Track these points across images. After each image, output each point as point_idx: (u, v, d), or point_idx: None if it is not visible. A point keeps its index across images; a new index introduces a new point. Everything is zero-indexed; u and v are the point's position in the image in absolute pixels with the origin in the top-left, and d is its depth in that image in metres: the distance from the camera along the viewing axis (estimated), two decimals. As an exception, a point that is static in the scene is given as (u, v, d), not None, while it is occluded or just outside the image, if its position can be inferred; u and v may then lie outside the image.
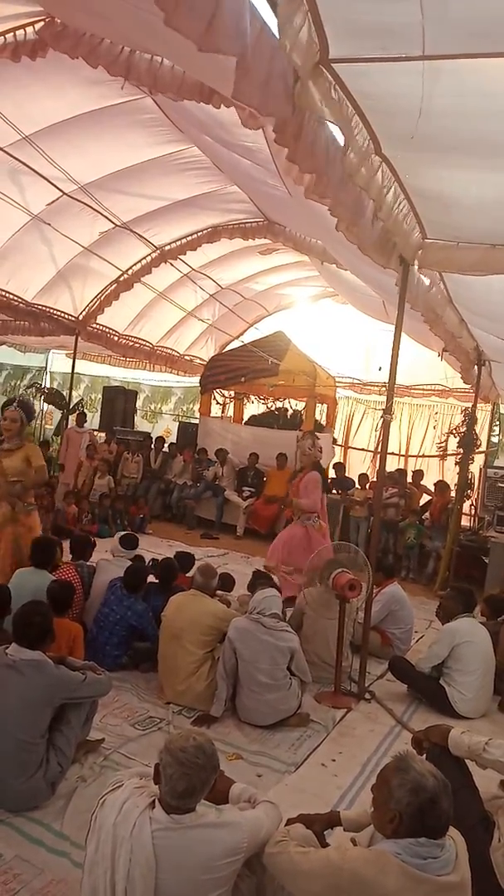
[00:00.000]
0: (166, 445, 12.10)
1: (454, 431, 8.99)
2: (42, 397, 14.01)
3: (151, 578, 5.32)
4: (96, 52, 4.68)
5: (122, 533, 5.90)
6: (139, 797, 2.06)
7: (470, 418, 8.72)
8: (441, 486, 9.66)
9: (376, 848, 1.96)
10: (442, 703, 4.69)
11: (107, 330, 11.57)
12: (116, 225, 7.85)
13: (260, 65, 2.56)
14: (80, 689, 3.23)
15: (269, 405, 12.77)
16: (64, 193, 7.11)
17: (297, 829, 2.31)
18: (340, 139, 3.23)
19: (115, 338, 11.90)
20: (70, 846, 2.84)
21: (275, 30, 2.54)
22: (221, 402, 12.95)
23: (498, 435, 12.30)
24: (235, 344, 13.82)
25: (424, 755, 2.75)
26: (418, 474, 10.80)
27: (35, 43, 5.03)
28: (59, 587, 4.26)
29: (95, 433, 12.64)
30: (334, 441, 12.74)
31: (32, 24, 4.95)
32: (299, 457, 6.87)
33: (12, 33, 5.03)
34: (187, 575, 5.79)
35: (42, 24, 4.87)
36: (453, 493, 8.94)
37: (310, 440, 6.86)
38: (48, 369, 16.92)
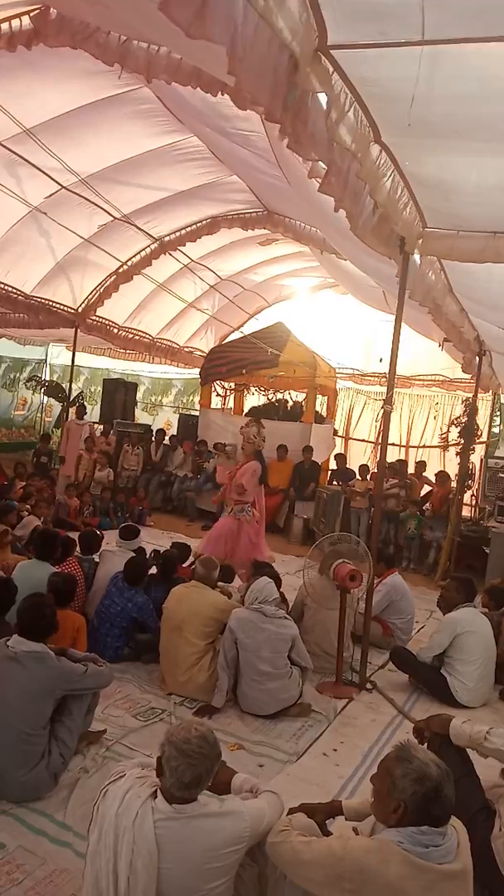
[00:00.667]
0: (167, 438, 12.09)
1: (455, 422, 8.98)
2: (42, 390, 13.99)
3: (153, 571, 5.34)
4: (91, 41, 4.65)
5: (124, 524, 5.91)
6: (141, 787, 2.07)
7: (470, 408, 8.71)
8: (441, 476, 9.65)
9: (378, 837, 1.97)
10: (443, 693, 4.70)
11: (106, 322, 11.54)
12: (115, 217, 7.81)
13: (255, 52, 2.53)
14: (81, 681, 3.24)
15: (269, 397, 12.75)
16: (63, 187, 7.08)
17: (300, 818, 2.31)
18: (339, 126, 3.20)
19: (115, 330, 11.86)
20: (73, 836, 2.86)
21: (272, 17, 2.52)
22: (222, 394, 12.93)
23: (499, 425, 12.29)
24: (235, 335, 13.79)
25: (426, 745, 2.76)
26: (421, 465, 10.80)
27: (30, 32, 4.99)
28: (62, 579, 4.28)
29: (95, 425, 12.63)
30: (335, 432, 12.73)
31: (28, 12, 4.91)
32: (242, 444, 6.78)
33: (7, 22, 4.99)
34: (183, 566, 5.81)
35: (37, 13, 4.83)
36: (454, 484, 8.93)
37: (255, 428, 6.80)
38: (48, 362, 16.91)
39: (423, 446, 12.84)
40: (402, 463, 10.57)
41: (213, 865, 2.00)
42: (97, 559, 5.47)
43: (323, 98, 2.93)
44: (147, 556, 5.71)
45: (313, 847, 2.02)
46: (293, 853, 2.06)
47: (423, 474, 10.46)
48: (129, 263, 10.10)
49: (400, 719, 4.48)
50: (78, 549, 5.50)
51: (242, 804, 2.17)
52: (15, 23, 4.98)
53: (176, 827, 1.98)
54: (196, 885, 1.98)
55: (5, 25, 4.95)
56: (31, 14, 4.87)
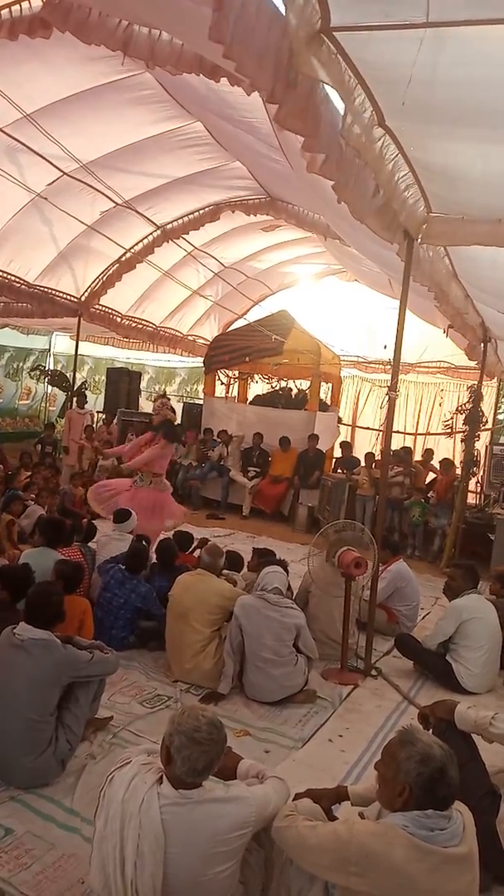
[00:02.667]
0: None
1: (461, 409, 8.95)
2: (45, 379, 13.99)
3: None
4: (94, 27, 4.60)
5: (118, 509, 5.94)
6: (147, 773, 2.08)
7: (475, 395, 8.68)
8: (446, 463, 9.63)
9: (384, 821, 1.98)
10: (448, 679, 4.71)
11: (109, 311, 11.52)
12: (117, 204, 7.78)
13: (257, 35, 2.50)
14: (87, 668, 3.26)
15: (273, 385, 12.72)
16: (64, 173, 7.04)
17: (305, 803, 2.33)
18: (342, 110, 3.17)
19: (118, 319, 11.85)
20: (81, 822, 2.88)
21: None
22: (226, 382, 12.91)
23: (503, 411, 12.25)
24: (239, 323, 13.76)
25: (431, 730, 2.77)
26: (428, 453, 10.77)
27: (32, 20, 4.94)
28: (70, 566, 4.32)
29: (98, 414, 12.64)
30: (339, 420, 12.69)
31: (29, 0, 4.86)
32: (154, 418, 7.02)
33: (8, 9, 4.94)
34: (187, 553, 5.84)
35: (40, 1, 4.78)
36: (459, 471, 8.91)
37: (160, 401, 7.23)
38: (51, 351, 16.90)
39: (429, 434, 12.80)
40: (408, 451, 10.54)
41: (219, 850, 2.01)
42: (94, 546, 5.52)
43: (326, 81, 2.90)
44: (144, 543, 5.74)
45: (319, 832, 2.03)
46: (299, 838, 2.07)
47: (430, 462, 10.43)
48: (131, 251, 10.06)
49: (405, 705, 4.50)
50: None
51: (248, 789, 2.18)
52: (16, 9, 4.94)
53: (182, 812, 2.00)
54: (202, 870, 2.00)
55: (6, 12, 4.90)
56: (33, 2, 4.82)
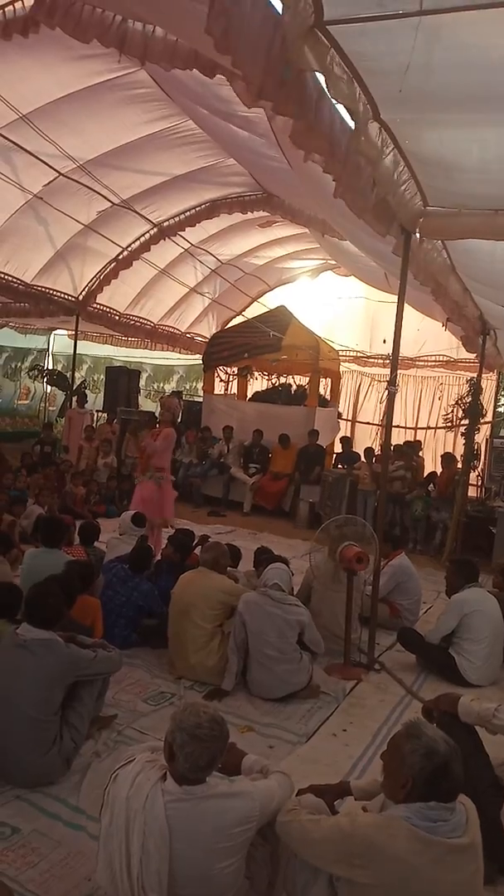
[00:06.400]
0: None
1: (460, 402, 8.94)
2: (44, 379, 13.99)
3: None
4: (88, 24, 4.59)
5: (135, 512, 5.93)
6: (151, 770, 2.09)
7: (475, 388, 8.67)
8: (447, 458, 9.63)
9: (387, 813, 1.98)
10: (451, 672, 4.71)
11: (107, 309, 11.52)
12: (114, 203, 7.77)
13: (252, 30, 2.50)
14: (91, 667, 3.26)
15: (272, 381, 12.71)
16: (60, 174, 7.04)
17: (309, 798, 2.33)
18: (339, 107, 3.17)
19: (116, 317, 11.84)
20: (86, 820, 2.88)
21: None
22: (225, 380, 12.90)
23: (503, 404, 12.24)
24: (237, 320, 13.75)
25: (435, 724, 2.77)
26: (417, 445, 10.76)
27: (26, 19, 4.93)
28: (82, 566, 4.37)
29: (99, 413, 12.63)
30: (339, 415, 12.69)
31: (22, -1, 4.86)
32: (162, 413, 7.13)
33: (1, 10, 4.93)
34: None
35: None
36: (459, 465, 8.91)
37: (176, 400, 7.37)
38: (50, 351, 16.89)
39: (429, 427, 12.80)
40: (410, 445, 10.53)
41: (224, 845, 2.02)
42: (105, 548, 5.51)
43: (320, 76, 2.89)
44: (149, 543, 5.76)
45: (322, 825, 2.04)
46: (302, 832, 2.08)
47: (419, 454, 10.42)
48: (128, 249, 10.06)
49: (408, 699, 4.50)
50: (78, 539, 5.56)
51: (252, 784, 2.19)
52: (9, 10, 4.93)
53: (186, 808, 2.00)
54: (207, 865, 2.00)
55: (-1, 12, 4.90)
56: (26, 1, 4.81)
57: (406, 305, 5.05)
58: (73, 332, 11.80)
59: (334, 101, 3.10)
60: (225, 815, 2.03)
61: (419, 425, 13.05)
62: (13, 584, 4.00)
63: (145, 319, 12.53)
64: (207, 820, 2.01)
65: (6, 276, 9.20)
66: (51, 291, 10.21)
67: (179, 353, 14.60)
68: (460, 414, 8.88)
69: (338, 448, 11.63)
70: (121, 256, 10.16)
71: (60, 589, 3.54)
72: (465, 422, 8.72)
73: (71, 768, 3.22)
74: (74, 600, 3.87)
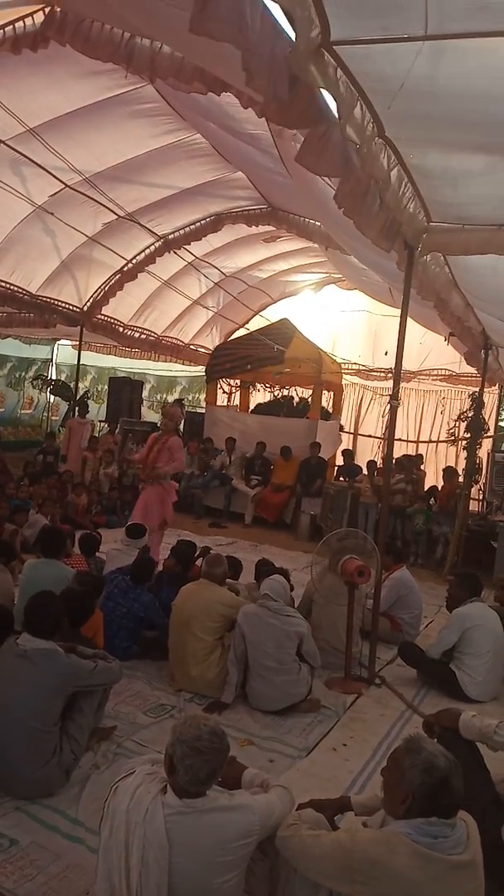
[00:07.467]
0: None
1: (462, 416, 8.96)
2: (48, 389, 14.02)
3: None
4: (97, 41, 4.65)
5: (131, 523, 5.94)
6: (151, 783, 2.08)
7: (477, 402, 8.69)
8: (449, 471, 9.63)
9: (387, 829, 1.98)
10: (452, 687, 4.70)
11: (112, 320, 11.56)
12: (119, 216, 7.83)
13: (260, 51, 2.54)
14: (91, 678, 3.26)
15: (275, 393, 12.74)
16: (66, 185, 7.10)
17: (309, 813, 2.32)
18: (344, 123, 3.20)
19: (121, 328, 11.89)
20: (85, 832, 2.87)
21: (276, 13, 2.53)
22: (227, 391, 12.94)
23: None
24: (241, 332, 13.81)
25: (435, 739, 2.76)
26: (419, 459, 10.76)
27: (36, 35, 4.99)
28: (92, 578, 4.44)
29: (101, 423, 12.64)
30: (341, 428, 12.71)
31: (32, 14, 4.91)
32: (164, 422, 7.12)
33: (12, 26, 4.99)
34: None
35: (42, 15, 4.83)
36: (461, 479, 8.91)
37: (178, 409, 7.54)
38: (54, 361, 16.95)
39: (431, 441, 12.81)
40: (410, 458, 10.54)
41: (224, 859, 2.01)
42: (104, 558, 5.50)
43: (327, 95, 2.94)
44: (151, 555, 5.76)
45: (322, 840, 2.04)
46: (302, 847, 2.07)
47: (420, 468, 10.42)
48: (133, 262, 10.12)
49: (409, 714, 4.49)
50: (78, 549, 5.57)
51: (252, 798, 2.18)
52: (19, 25, 4.99)
53: (186, 821, 2.00)
54: (207, 879, 2.00)
55: (10, 29, 4.95)
56: (36, 17, 4.87)
57: (409, 319, 5.08)
58: (78, 343, 11.83)
59: (339, 118, 3.15)
60: (225, 829, 2.03)
61: (421, 439, 13.07)
62: (1, 605, 4.01)
63: (149, 331, 12.58)
64: (207, 833, 2.01)
65: (11, 286, 9.25)
66: (56, 302, 10.26)
67: (182, 364, 14.65)
68: (463, 429, 8.90)
69: (339, 461, 11.64)
70: (126, 268, 10.21)
71: (80, 604, 3.58)
72: (467, 436, 8.73)
73: (70, 780, 3.21)
74: (92, 612, 3.92)
